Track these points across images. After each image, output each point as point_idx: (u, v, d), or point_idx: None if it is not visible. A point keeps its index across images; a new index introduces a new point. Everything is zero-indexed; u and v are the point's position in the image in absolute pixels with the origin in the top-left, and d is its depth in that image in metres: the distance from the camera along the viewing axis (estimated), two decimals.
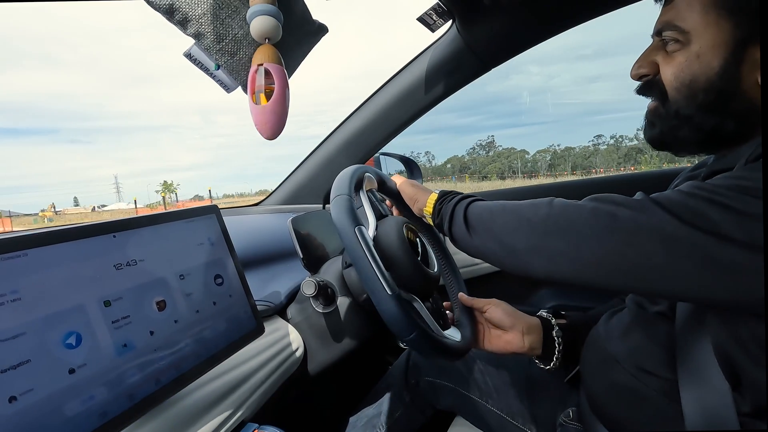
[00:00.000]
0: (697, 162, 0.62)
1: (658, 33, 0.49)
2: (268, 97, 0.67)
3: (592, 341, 0.61)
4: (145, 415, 0.41)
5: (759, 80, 0.43)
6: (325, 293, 0.66)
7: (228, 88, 0.74)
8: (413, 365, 0.84)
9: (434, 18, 0.90)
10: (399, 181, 0.71)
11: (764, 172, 0.37)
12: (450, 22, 0.94)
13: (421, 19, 0.90)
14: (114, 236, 0.43)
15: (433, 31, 0.93)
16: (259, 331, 0.57)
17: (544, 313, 0.70)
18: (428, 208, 0.63)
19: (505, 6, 0.87)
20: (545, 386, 0.73)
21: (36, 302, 0.35)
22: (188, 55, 0.68)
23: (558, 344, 0.66)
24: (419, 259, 0.62)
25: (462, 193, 0.63)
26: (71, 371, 0.36)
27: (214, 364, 0.49)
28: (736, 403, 0.42)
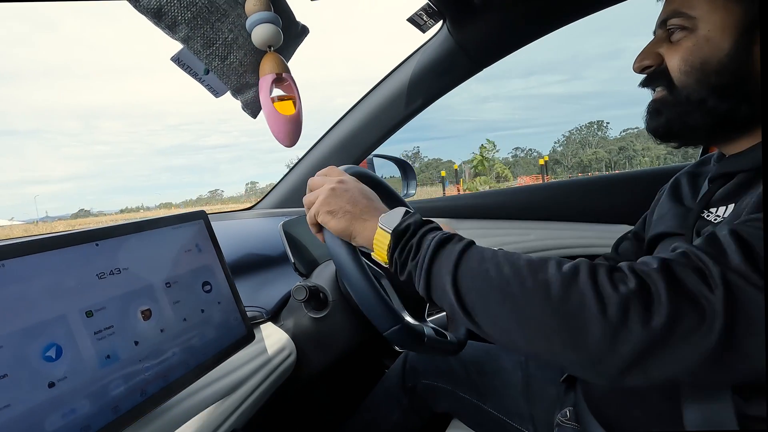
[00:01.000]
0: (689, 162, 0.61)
1: (662, 24, 0.49)
2: (284, 106, 0.67)
3: None
4: (130, 427, 0.40)
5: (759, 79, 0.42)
6: (317, 298, 0.65)
7: (217, 93, 0.73)
8: (410, 368, 0.83)
9: (425, 18, 0.90)
10: (311, 214, 0.51)
11: (764, 172, 0.36)
12: (441, 22, 0.94)
13: (411, 20, 0.90)
14: (96, 244, 0.42)
15: (423, 31, 0.93)
16: (249, 337, 0.56)
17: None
18: (380, 255, 0.46)
19: (496, 5, 0.86)
20: (542, 386, 0.73)
21: (14, 314, 0.34)
22: (177, 60, 0.67)
23: None
24: None
25: (428, 228, 0.45)
26: (51, 385, 0.35)
27: (202, 373, 0.48)
28: (738, 405, 0.41)
